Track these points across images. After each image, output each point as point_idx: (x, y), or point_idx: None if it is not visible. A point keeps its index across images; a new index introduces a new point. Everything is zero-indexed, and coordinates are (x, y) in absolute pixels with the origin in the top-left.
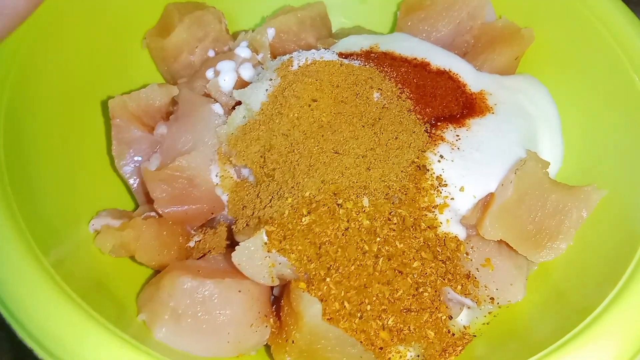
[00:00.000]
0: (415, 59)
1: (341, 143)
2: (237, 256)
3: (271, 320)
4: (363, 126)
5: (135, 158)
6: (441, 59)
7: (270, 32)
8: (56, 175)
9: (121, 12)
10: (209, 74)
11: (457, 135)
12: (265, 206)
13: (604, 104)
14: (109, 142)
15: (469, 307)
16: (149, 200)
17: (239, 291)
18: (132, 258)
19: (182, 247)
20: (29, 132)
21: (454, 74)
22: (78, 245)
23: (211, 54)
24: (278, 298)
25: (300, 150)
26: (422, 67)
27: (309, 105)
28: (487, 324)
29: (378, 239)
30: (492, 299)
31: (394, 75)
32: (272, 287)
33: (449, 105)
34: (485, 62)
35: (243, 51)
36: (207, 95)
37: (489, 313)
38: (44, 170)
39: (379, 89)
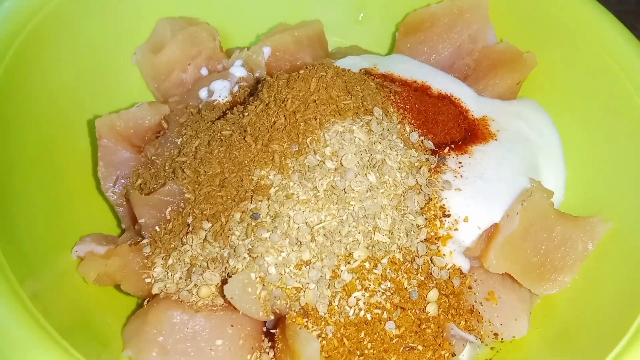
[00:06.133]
0: (415, 82)
1: None
2: (229, 289)
3: (264, 356)
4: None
5: (122, 180)
6: (442, 83)
7: (266, 51)
8: (37, 198)
9: (110, 27)
10: (203, 93)
11: (460, 162)
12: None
13: (607, 131)
14: (94, 163)
15: (470, 342)
16: (136, 225)
17: (231, 325)
18: (117, 287)
19: None
20: (8, 152)
21: (455, 98)
22: (59, 274)
23: (204, 72)
24: (270, 332)
25: None
26: (422, 90)
27: None
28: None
29: (376, 271)
30: (495, 334)
31: (395, 100)
32: (264, 321)
33: (450, 131)
34: (486, 87)
35: (238, 70)
36: (198, 113)
37: (491, 349)
38: (23, 192)
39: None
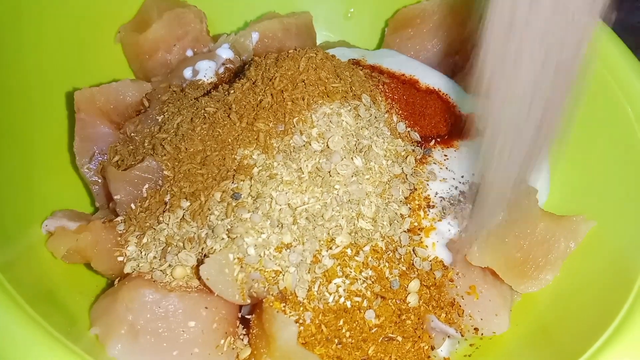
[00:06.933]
0: (403, 75)
1: None
2: (205, 270)
3: (238, 342)
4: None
5: (99, 157)
6: (430, 78)
7: (255, 36)
8: (8, 169)
9: (96, 2)
10: (187, 73)
11: (445, 156)
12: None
13: (591, 132)
14: (71, 137)
15: (449, 337)
16: (111, 203)
17: (206, 307)
18: (87, 266)
19: None
20: None
21: (443, 94)
22: (28, 247)
23: (189, 54)
24: (245, 319)
25: None
26: (410, 84)
27: None
28: (469, 356)
29: (358, 258)
30: (476, 329)
31: (384, 90)
32: (239, 306)
33: (437, 125)
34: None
35: (225, 52)
36: (181, 92)
37: (471, 345)
38: None
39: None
